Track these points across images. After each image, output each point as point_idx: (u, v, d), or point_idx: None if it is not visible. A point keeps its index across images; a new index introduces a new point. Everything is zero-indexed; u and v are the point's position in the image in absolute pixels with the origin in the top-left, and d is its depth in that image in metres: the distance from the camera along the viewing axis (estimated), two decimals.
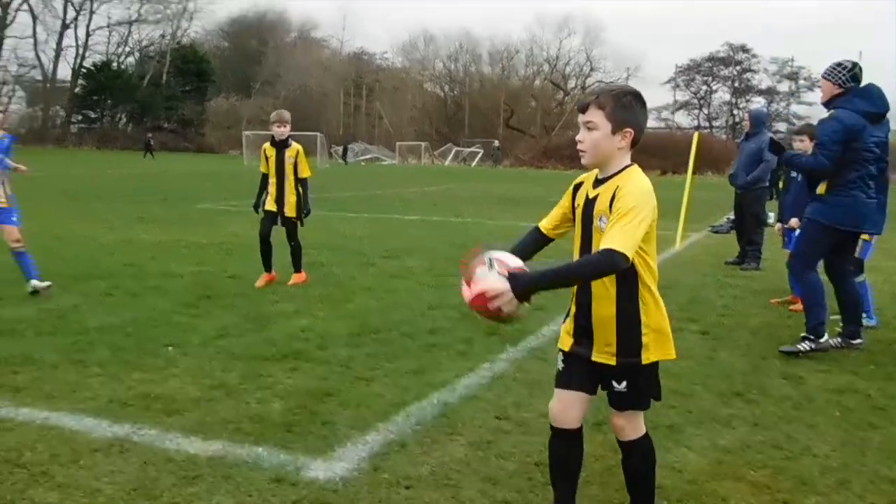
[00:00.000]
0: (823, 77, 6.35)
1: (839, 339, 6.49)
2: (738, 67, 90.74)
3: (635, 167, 2.98)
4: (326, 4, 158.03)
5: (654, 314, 2.99)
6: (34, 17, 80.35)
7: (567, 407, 3.13)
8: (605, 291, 2.92)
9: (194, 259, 10.41)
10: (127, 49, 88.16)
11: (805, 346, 6.26)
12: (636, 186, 2.85)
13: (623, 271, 2.77)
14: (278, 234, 8.74)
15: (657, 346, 3.01)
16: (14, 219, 7.82)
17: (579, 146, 2.95)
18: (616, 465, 3.95)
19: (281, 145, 8.52)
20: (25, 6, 79.28)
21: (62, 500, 3.49)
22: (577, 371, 3.08)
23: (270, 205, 8.60)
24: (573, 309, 3.08)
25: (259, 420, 4.53)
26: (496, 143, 74.62)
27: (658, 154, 57.02)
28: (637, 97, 2.94)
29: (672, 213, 13.88)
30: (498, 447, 4.24)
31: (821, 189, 6.33)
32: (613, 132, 2.86)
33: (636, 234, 2.74)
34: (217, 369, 5.49)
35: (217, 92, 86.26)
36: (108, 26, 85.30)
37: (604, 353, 2.99)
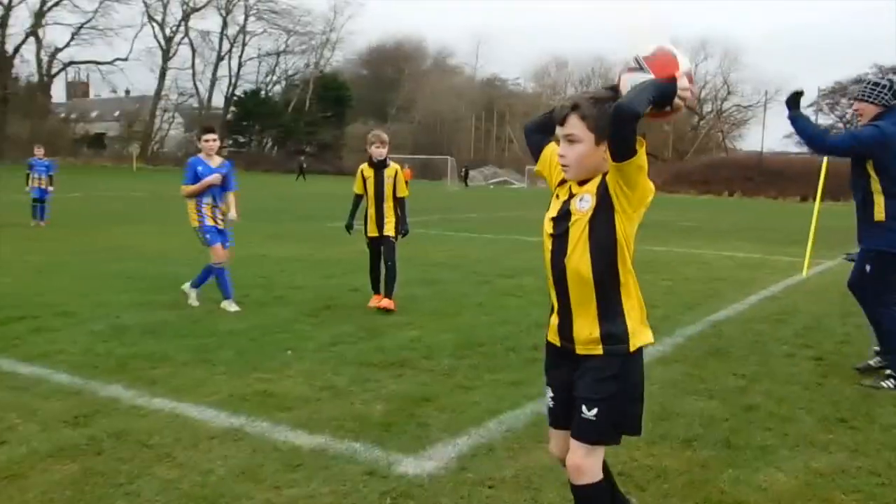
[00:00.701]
0: (860, 99, 5.92)
1: None
2: None
3: None
4: (462, 34, 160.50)
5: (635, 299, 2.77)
6: (193, 51, 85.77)
7: (564, 449, 2.84)
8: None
9: (321, 273, 10.94)
10: (274, 78, 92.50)
11: (890, 383, 5.88)
12: None
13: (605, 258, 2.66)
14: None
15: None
16: (228, 243, 8.38)
17: (561, 160, 2.71)
18: (702, 480, 4.04)
19: (380, 165, 8.36)
20: (186, 40, 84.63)
21: (180, 477, 3.89)
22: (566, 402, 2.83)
23: (372, 230, 8.44)
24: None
25: (360, 419, 4.81)
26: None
27: (798, 180, 54.86)
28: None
29: (804, 240, 13.49)
30: None
31: (879, 215, 5.84)
32: (598, 143, 2.59)
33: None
34: (328, 372, 5.83)
35: (355, 117, 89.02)
36: (258, 57, 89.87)
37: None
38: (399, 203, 8.45)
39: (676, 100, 2.61)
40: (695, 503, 3.79)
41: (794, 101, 6.04)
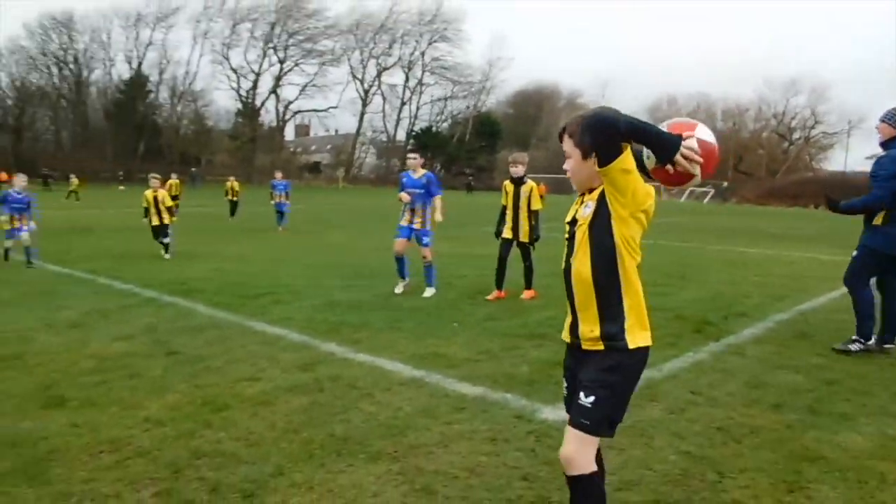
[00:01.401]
0: (882, 121, 5.64)
1: (874, 343, 5.86)
2: None
3: None
4: (590, 79, 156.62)
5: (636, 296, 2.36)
6: (384, 99, 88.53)
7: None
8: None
9: (477, 266, 11.03)
10: (442, 117, 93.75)
11: (855, 346, 5.77)
12: None
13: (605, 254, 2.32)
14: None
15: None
16: (426, 240, 8.18)
17: (567, 174, 2.47)
18: (789, 438, 3.81)
19: (518, 182, 7.98)
20: (379, 91, 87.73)
21: (378, 411, 4.08)
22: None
23: (507, 233, 8.10)
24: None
25: (510, 376, 4.86)
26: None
27: None
28: None
29: None
30: (688, 414, 4.18)
31: (878, 220, 5.69)
32: (584, 157, 2.34)
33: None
34: (484, 341, 5.89)
35: (504, 146, 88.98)
36: (430, 102, 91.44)
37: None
38: (533, 214, 8.03)
39: (678, 157, 2.21)
40: (783, 455, 3.59)
41: (831, 203, 6.12)
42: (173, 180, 27.55)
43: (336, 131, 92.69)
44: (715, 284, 9.58)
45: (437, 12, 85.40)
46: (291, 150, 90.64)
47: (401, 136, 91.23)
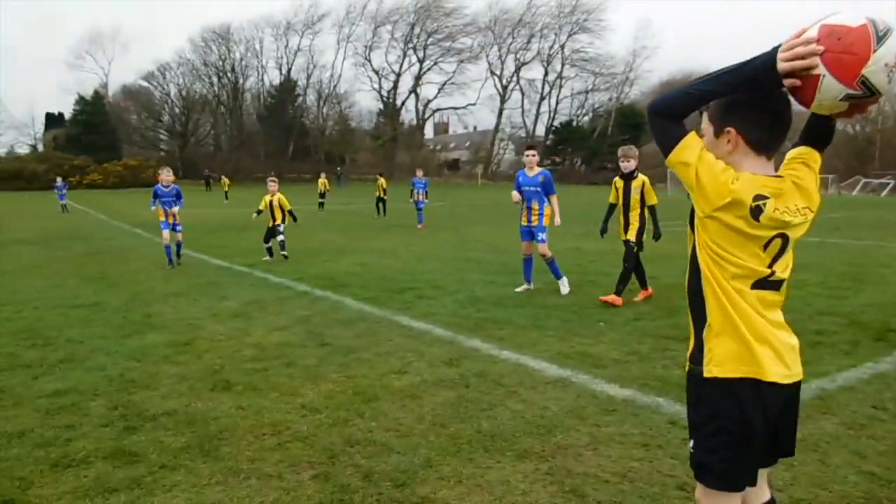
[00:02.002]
0: None
1: None
2: None
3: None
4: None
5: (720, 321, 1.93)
6: (522, 94, 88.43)
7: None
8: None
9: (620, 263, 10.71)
10: (583, 111, 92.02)
11: None
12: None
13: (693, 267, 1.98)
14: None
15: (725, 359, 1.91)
16: (541, 236, 8.04)
17: None
18: None
19: (628, 177, 7.59)
20: (517, 87, 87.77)
21: (525, 409, 4.08)
22: None
23: (621, 233, 7.73)
24: None
25: (662, 380, 4.67)
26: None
27: None
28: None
29: None
30: (870, 430, 3.82)
31: None
32: (716, 136, 1.91)
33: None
34: (633, 342, 5.71)
35: (648, 139, 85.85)
36: (571, 95, 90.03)
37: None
38: (650, 210, 7.54)
39: (784, 67, 1.69)
40: None
41: None
42: (322, 179, 29.21)
43: (474, 128, 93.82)
44: None
45: (576, 3, 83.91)
46: (431, 147, 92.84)
47: (540, 131, 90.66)
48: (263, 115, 79.55)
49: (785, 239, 1.92)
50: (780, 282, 1.97)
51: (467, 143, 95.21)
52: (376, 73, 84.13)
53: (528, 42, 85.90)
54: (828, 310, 7.04)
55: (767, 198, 1.82)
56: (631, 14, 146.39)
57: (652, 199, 7.53)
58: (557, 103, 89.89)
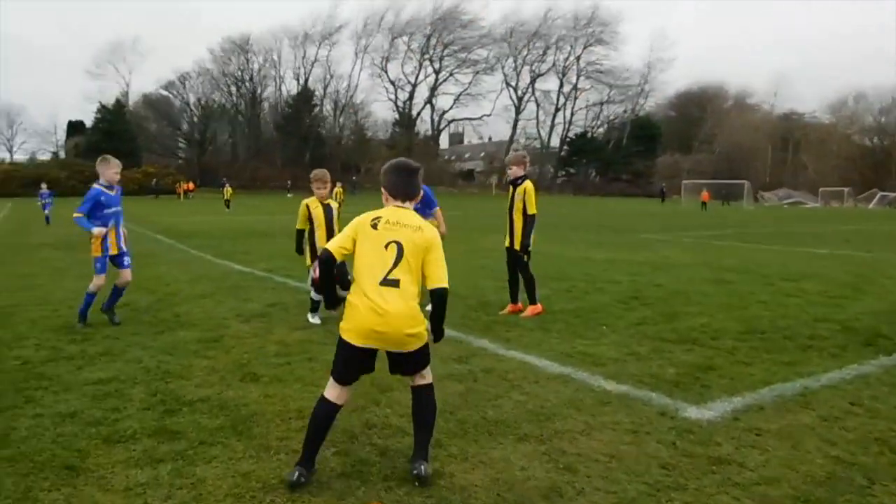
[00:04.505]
0: None
1: None
2: None
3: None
4: (762, 77, 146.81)
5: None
6: (537, 106, 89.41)
7: None
8: None
9: (631, 272, 11.07)
10: (598, 122, 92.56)
11: None
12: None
13: None
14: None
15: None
16: None
17: None
18: None
19: (513, 185, 7.35)
20: (532, 98, 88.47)
21: (527, 400, 4.47)
22: None
23: (506, 240, 7.57)
24: None
25: (655, 377, 5.04)
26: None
27: None
28: (388, 166, 3.40)
29: None
30: (843, 422, 4.15)
31: None
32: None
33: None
34: (633, 344, 6.08)
35: (663, 150, 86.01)
36: (585, 107, 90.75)
37: None
38: (528, 219, 7.24)
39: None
40: None
41: None
42: (338, 188, 29.84)
43: (489, 139, 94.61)
44: None
45: (592, 15, 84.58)
46: (446, 158, 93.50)
47: (555, 142, 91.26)
48: (280, 125, 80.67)
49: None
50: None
51: (482, 154, 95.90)
52: (392, 83, 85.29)
53: (544, 54, 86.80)
54: (823, 317, 7.37)
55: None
56: (646, 26, 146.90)
57: (531, 209, 7.22)
58: (572, 114, 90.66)
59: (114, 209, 6.83)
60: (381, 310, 3.10)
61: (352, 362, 3.24)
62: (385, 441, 3.77)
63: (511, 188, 7.46)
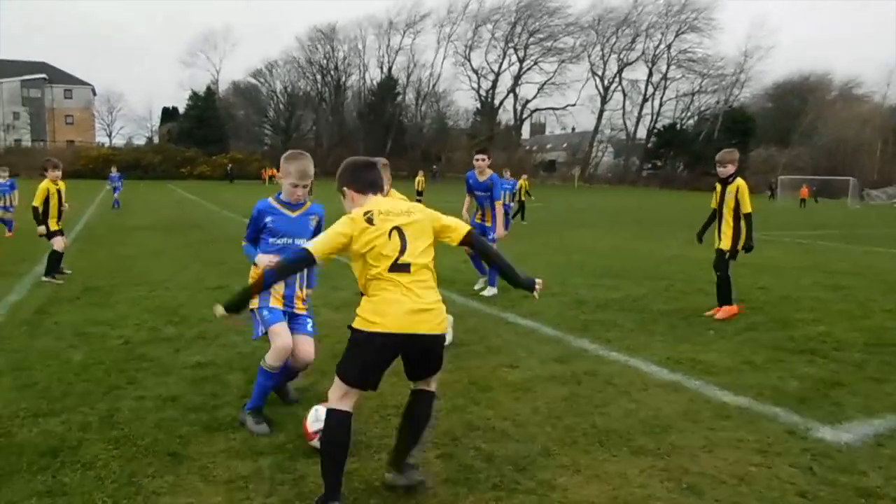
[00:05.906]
0: None
1: None
2: None
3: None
4: (872, 66, 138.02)
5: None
6: (624, 95, 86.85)
7: None
8: None
9: (738, 273, 10.48)
10: (688, 113, 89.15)
11: None
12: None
13: None
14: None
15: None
16: (492, 236, 7.69)
17: None
18: None
19: (724, 182, 7.19)
20: (619, 88, 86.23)
21: (637, 409, 4.19)
22: None
23: (716, 242, 7.29)
24: None
25: (777, 390, 4.65)
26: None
27: None
28: (347, 165, 3.26)
29: None
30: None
31: None
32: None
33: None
34: (746, 351, 5.68)
35: (757, 143, 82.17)
36: (675, 97, 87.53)
37: None
38: (745, 218, 7.01)
39: None
40: None
41: None
42: (420, 177, 30.00)
43: (573, 129, 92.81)
44: None
45: (686, 1, 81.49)
46: (527, 148, 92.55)
47: (641, 133, 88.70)
48: (364, 113, 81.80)
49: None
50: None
51: (564, 145, 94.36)
52: (475, 72, 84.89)
53: (633, 42, 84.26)
54: None
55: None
56: (744, 12, 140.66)
57: (746, 207, 7.03)
58: (661, 105, 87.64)
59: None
60: (411, 293, 2.99)
61: (384, 353, 3.09)
62: (489, 446, 3.59)
63: (720, 186, 7.29)
